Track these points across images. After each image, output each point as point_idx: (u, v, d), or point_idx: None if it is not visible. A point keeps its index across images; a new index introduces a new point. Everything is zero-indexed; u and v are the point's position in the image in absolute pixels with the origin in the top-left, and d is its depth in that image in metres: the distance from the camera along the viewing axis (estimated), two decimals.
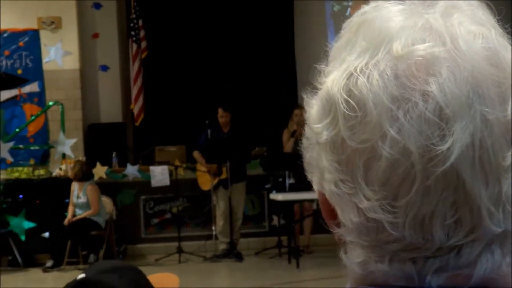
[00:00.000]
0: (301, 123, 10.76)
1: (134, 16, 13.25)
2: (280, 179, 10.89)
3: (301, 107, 11.09)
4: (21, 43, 12.52)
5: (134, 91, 13.42)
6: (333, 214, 0.78)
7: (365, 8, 0.77)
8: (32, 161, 12.29)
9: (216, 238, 11.09)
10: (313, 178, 0.79)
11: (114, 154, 12.39)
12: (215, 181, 10.97)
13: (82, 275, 1.64)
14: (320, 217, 0.82)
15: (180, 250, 10.75)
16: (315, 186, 0.79)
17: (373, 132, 0.71)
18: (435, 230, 0.71)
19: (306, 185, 9.49)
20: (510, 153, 0.71)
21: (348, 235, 0.76)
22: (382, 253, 0.74)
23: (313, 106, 0.78)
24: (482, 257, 0.72)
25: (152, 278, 1.76)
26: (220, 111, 11.04)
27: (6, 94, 12.41)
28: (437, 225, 0.71)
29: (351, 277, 0.79)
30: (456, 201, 0.70)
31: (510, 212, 0.72)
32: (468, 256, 0.72)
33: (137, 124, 13.41)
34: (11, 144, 11.55)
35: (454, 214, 0.71)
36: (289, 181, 10.66)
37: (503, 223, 0.72)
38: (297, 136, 10.90)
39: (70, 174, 10.89)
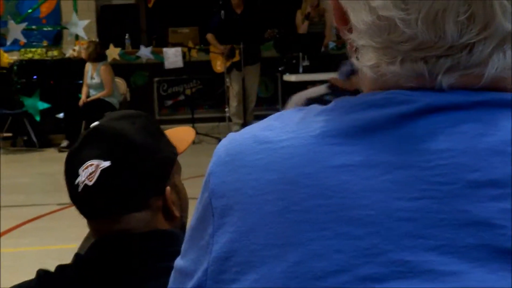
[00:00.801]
0: (315, 5, 10.74)
1: None
2: (294, 61, 10.84)
3: None
4: None
5: None
6: (345, 19, 0.78)
7: None
8: (45, 42, 12.27)
9: (230, 119, 11.14)
10: None
11: (127, 36, 12.34)
12: (228, 63, 10.92)
13: (96, 123, 1.65)
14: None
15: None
16: None
17: None
18: (448, 27, 0.71)
19: (319, 67, 9.50)
20: None
21: (360, 39, 0.76)
22: (394, 54, 0.74)
23: None
24: (494, 56, 0.72)
25: (169, 130, 1.78)
26: None
27: None
28: (450, 21, 0.71)
29: (362, 82, 0.79)
30: None
31: None
32: (480, 54, 0.72)
33: (150, 5, 13.28)
34: (23, 25, 11.47)
35: (467, 10, 0.70)
36: (302, 63, 10.62)
37: None
38: (311, 18, 10.80)
39: (83, 55, 10.86)
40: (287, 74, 10.68)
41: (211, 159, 0.84)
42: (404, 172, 0.71)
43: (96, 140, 1.60)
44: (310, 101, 8.72)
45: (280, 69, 11.39)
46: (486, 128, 0.72)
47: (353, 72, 8.62)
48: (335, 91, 8.37)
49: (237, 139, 0.82)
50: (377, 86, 0.77)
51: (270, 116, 0.83)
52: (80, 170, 1.58)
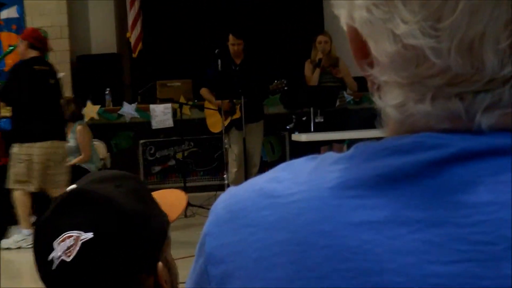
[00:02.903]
0: (327, 52, 10.79)
1: None
2: (304, 118, 10.86)
3: (326, 34, 11.10)
4: None
5: (131, 17, 13.41)
6: (365, 51, 0.78)
7: None
8: None
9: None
10: (341, 11, 0.79)
11: (107, 91, 12.42)
12: (226, 121, 10.93)
13: (73, 186, 1.64)
14: None
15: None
16: (343, 21, 0.79)
17: None
18: (487, 56, 0.71)
19: (335, 124, 9.51)
20: None
21: (383, 74, 0.76)
22: (423, 90, 0.74)
23: None
24: None
25: (156, 193, 1.75)
26: (231, 38, 10.93)
27: None
28: (489, 49, 0.71)
29: (386, 124, 0.79)
30: (511, 19, 0.70)
31: None
32: None
33: (134, 55, 13.42)
34: None
35: (509, 35, 0.70)
36: (315, 119, 10.63)
37: None
38: (323, 66, 10.86)
39: None
40: (297, 133, 10.69)
41: (208, 218, 0.83)
42: (438, 230, 0.71)
43: (74, 207, 1.57)
44: None
45: (288, 127, 11.42)
46: None
47: None
48: None
49: (239, 194, 0.82)
50: (404, 129, 0.77)
51: (278, 166, 0.83)
52: (55, 244, 1.55)
